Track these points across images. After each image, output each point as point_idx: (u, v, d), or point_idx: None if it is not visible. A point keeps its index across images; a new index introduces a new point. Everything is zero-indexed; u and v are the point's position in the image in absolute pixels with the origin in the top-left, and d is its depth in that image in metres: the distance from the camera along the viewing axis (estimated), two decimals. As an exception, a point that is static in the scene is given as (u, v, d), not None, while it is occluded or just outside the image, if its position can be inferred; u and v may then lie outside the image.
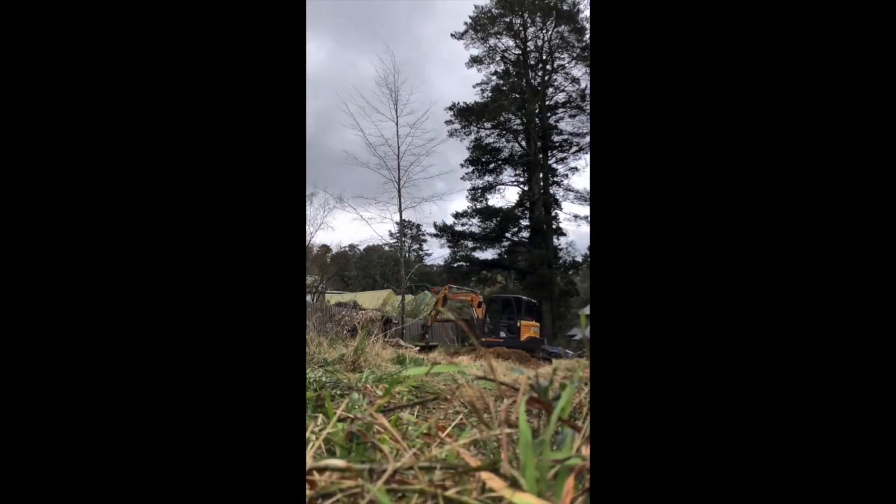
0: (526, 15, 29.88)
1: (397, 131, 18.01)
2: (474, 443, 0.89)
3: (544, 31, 30.24)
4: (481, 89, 30.86)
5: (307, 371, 2.26)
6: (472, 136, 30.28)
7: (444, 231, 29.74)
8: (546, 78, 30.40)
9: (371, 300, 22.88)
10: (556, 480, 0.64)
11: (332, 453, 0.88)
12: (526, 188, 29.84)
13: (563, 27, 29.71)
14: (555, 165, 30.20)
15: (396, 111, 18.29)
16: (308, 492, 0.65)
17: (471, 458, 0.74)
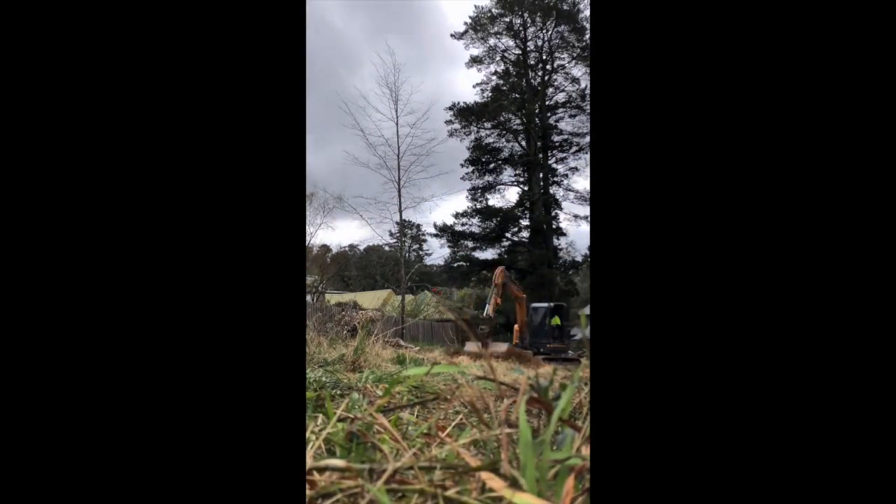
0: (526, 15, 29.89)
1: (397, 131, 18.01)
2: (474, 443, 0.89)
3: (544, 31, 30.25)
4: (481, 89, 30.89)
5: (307, 371, 2.26)
6: (472, 136, 30.30)
7: (444, 231, 29.75)
8: (546, 78, 30.41)
9: (371, 300, 22.88)
10: (556, 480, 0.64)
11: (332, 453, 0.88)
12: (526, 188, 29.85)
13: (563, 27, 29.72)
14: (555, 165, 30.22)
15: (396, 111, 18.30)
16: (308, 492, 0.65)
17: (471, 458, 0.74)
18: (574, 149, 29.79)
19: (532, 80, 30.28)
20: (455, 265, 29.65)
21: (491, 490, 0.63)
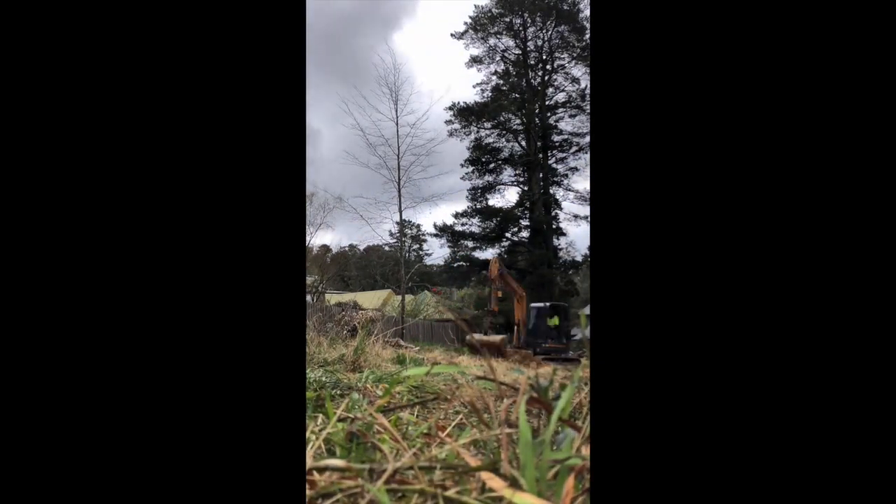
0: (526, 15, 29.89)
1: (397, 131, 18.01)
2: (474, 443, 0.89)
3: (544, 31, 30.25)
4: (481, 89, 30.89)
5: (307, 371, 2.26)
6: (472, 136, 30.30)
7: (444, 231, 29.75)
8: (546, 78, 30.40)
9: (371, 300, 22.89)
10: (556, 480, 0.64)
11: (332, 453, 0.88)
12: (526, 188, 29.84)
13: (563, 27, 29.72)
14: (555, 165, 30.21)
15: (396, 111, 18.30)
16: (308, 492, 0.65)
17: (471, 458, 0.74)
18: (574, 149, 29.80)
19: (532, 80, 30.27)
20: (455, 265, 29.65)
21: (491, 490, 0.63)
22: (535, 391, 0.79)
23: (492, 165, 30.49)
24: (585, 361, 0.76)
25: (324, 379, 2.08)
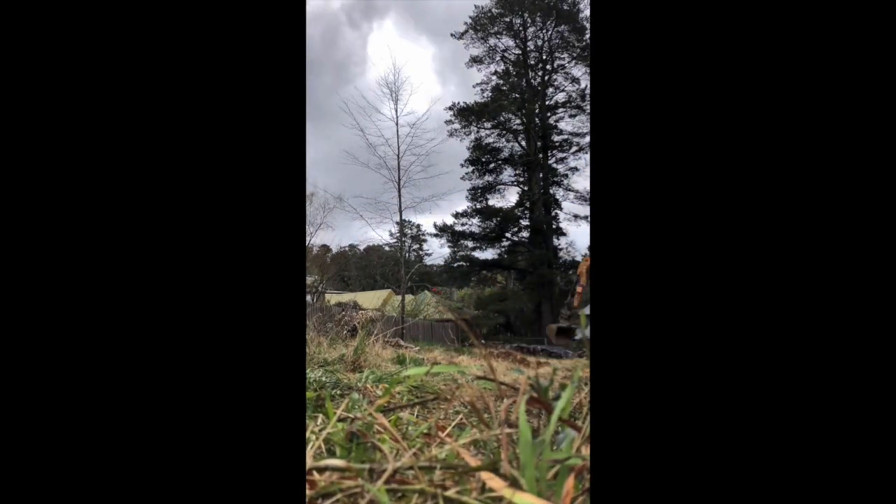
0: (526, 15, 29.89)
1: (397, 131, 18.01)
2: (474, 443, 0.89)
3: (544, 31, 30.26)
4: (481, 89, 30.90)
5: (307, 371, 2.26)
6: (472, 136, 30.31)
7: (444, 231, 29.75)
8: (546, 78, 30.41)
9: (371, 300, 22.89)
10: (556, 480, 0.64)
11: (332, 453, 0.88)
12: (526, 188, 29.85)
13: (563, 27, 29.73)
14: (555, 165, 30.21)
15: (396, 111, 18.31)
16: (308, 492, 0.65)
17: (471, 458, 0.74)
18: (574, 149, 29.81)
19: (532, 80, 30.28)
20: (455, 265, 29.65)
21: (491, 490, 0.63)
22: (535, 391, 0.79)
23: (492, 165, 30.50)
24: (585, 361, 0.76)
25: (324, 379, 2.08)
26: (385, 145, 17.93)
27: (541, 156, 29.64)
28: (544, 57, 30.40)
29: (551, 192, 29.73)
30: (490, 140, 30.47)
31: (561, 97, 30.36)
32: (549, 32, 30.11)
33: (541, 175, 29.57)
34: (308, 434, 0.88)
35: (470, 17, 30.42)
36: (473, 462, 0.70)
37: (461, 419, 1.24)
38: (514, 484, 0.63)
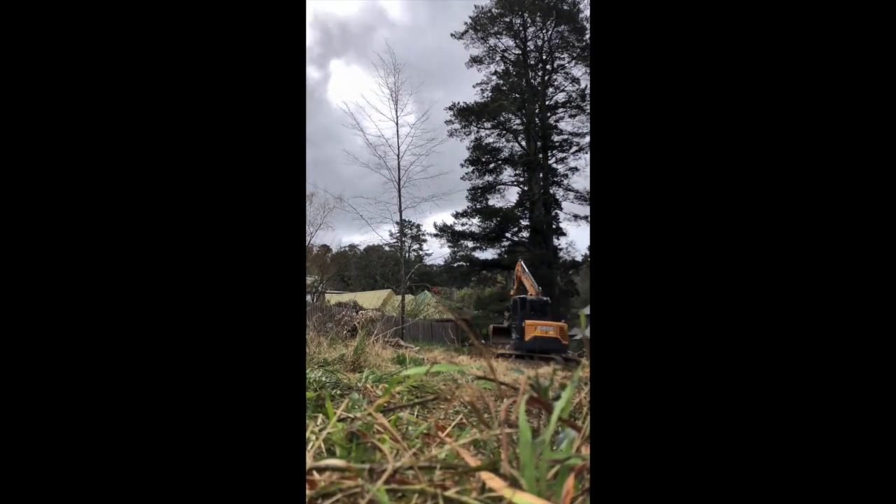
0: (526, 15, 29.88)
1: (397, 131, 18.01)
2: (474, 443, 0.89)
3: (544, 31, 30.25)
4: (481, 89, 30.89)
5: (307, 371, 2.26)
6: (472, 136, 30.30)
7: (444, 231, 29.75)
8: (546, 78, 30.40)
9: (371, 300, 22.89)
10: (556, 480, 0.64)
11: (332, 453, 0.88)
12: (526, 188, 29.84)
13: (563, 27, 29.72)
14: (555, 165, 30.20)
15: (396, 111, 18.31)
16: (308, 492, 0.65)
17: (471, 458, 0.74)
18: (574, 149, 29.79)
19: (532, 80, 30.27)
20: (455, 265, 29.64)
21: (491, 490, 0.63)
22: (535, 391, 0.79)
23: (492, 165, 30.49)
24: (585, 361, 0.76)
25: (324, 379, 2.08)
26: (385, 145, 17.93)
27: (541, 156, 29.63)
28: (544, 57, 30.39)
29: (551, 192, 29.72)
30: (490, 140, 30.48)
31: (561, 97, 30.37)
32: (549, 32, 30.11)
33: (541, 175, 29.56)
34: (308, 434, 0.88)
35: (470, 17, 30.43)
36: (473, 462, 0.70)
37: (461, 419, 1.24)
38: (514, 484, 0.63)
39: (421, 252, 34.23)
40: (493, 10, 30.12)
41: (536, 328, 14.51)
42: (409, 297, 19.95)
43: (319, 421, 1.06)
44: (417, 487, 0.64)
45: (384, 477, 0.65)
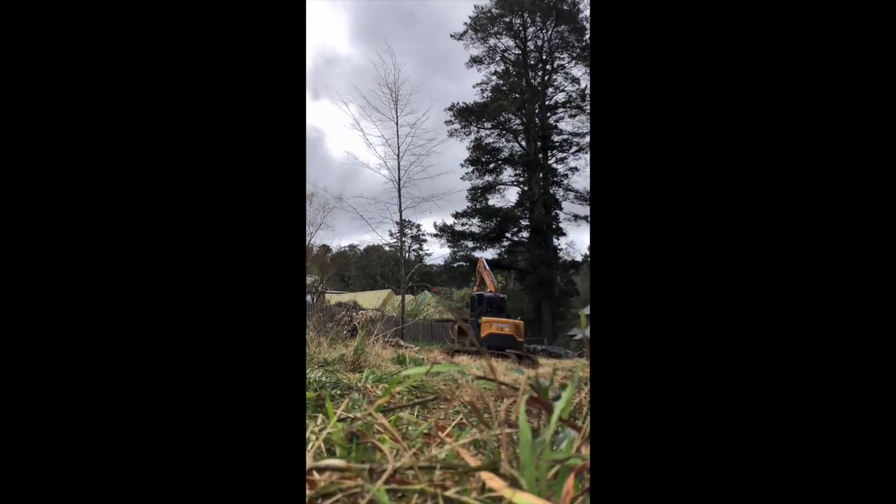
0: (526, 15, 29.90)
1: (397, 131, 18.01)
2: (474, 443, 0.89)
3: (544, 31, 30.27)
4: (481, 89, 30.90)
5: (307, 371, 2.26)
6: (472, 136, 30.32)
7: (444, 231, 29.76)
8: (546, 78, 30.42)
9: (371, 300, 22.89)
10: (556, 480, 0.64)
11: (332, 453, 0.88)
12: (526, 188, 29.84)
13: (563, 27, 29.73)
14: (555, 165, 30.22)
15: (396, 111, 18.30)
16: (308, 492, 0.65)
17: (471, 458, 0.74)
18: (574, 149, 29.82)
19: (532, 80, 30.28)
20: (455, 265, 29.66)
21: (491, 490, 0.63)
22: (535, 391, 0.79)
23: (492, 165, 30.51)
24: (585, 361, 0.76)
25: (324, 379, 2.08)
26: (385, 145, 17.94)
27: (541, 156, 29.64)
28: (544, 57, 30.41)
29: (551, 192, 29.74)
30: (490, 140, 30.49)
31: (561, 97, 30.39)
32: (549, 32, 30.12)
33: (541, 175, 29.57)
34: (308, 434, 0.88)
35: (470, 17, 30.44)
36: (473, 462, 0.70)
37: (461, 419, 1.24)
38: (514, 484, 0.63)
39: (421, 252, 34.25)
40: (493, 10, 30.13)
41: (492, 325, 14.09)
42: (409, 297, 19.94)
43: (319, 421, 1.06)
44: (417, 487, 0.64)
45: (384, 477, 0.65)
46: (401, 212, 18.38)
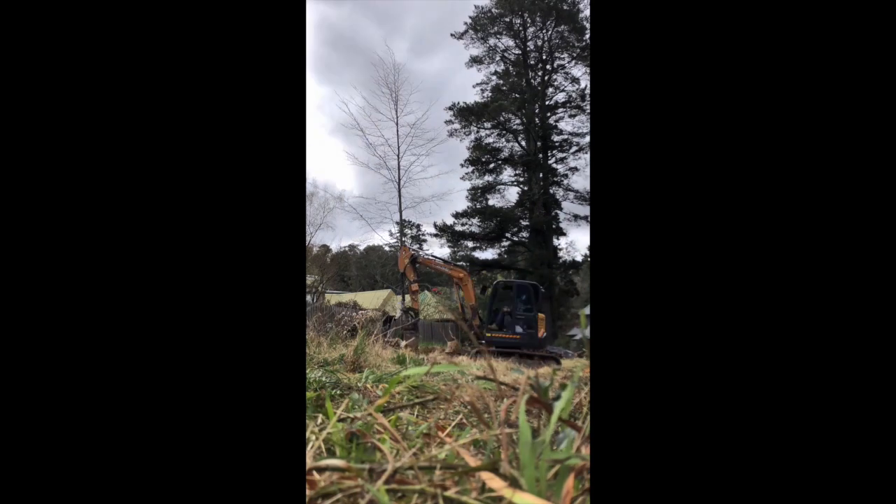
0: (526, 15, 29.89)
1: (397, 131, 18.00)
2: (474, 443, 0.89)
3: (544, 31, 30.27)
4: (481, 89, 30.90)
5: (307, 371, 2.26)
6: (472, 136, 30.32)
7: (444, 231, 29.75)
8: (546, 78, 30.42)
9: (371, 300, 22.89)
10: (556, 480, 0.64)
11: (332, 453, 0.88)
12: (526, 188, 29.84)
13: (563, 27, 29.73)
14: (555, 165, 30.22)
15: (396, 111, 18.29)
16: (308, 492, 0.65)
17: (471, 458, 0.74)
18: (574, 149, 29.81)
19: (532, 80, 30.28)
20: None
21: (491, 490, 0.63)
22: (535, 391, 0.79)
23: (492, 165, 30.50)
24: (585, 361, 0.76)
25: (324, 379, 2.08)
26: (385, 145, 17.93)
27: (541, 156, 29.64)
28: (544, 57, 30.41)
29: (551, 192, 29.73)
30: (490, 140, 30.49)
31: (561, 97, 30.39)
32: (549, 32, 30.12)
33: (541, 175, 29.57)
34: (308, 434, 0.88)
35: (470, 17, 30.45)
36: (473, 462, 0.70)
37: (461, 419, 1.24)
38: (514, 484, 0.63)
39: (421, 252, 34.20)
40: (493, 10, 30.13)
41: (544, 323, 12.12)
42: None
43: (319, 421, 1.06)
44: (417, 487, 0.64)
45: (384, 477, 0.65)
46: (401, 212, 18.37)
